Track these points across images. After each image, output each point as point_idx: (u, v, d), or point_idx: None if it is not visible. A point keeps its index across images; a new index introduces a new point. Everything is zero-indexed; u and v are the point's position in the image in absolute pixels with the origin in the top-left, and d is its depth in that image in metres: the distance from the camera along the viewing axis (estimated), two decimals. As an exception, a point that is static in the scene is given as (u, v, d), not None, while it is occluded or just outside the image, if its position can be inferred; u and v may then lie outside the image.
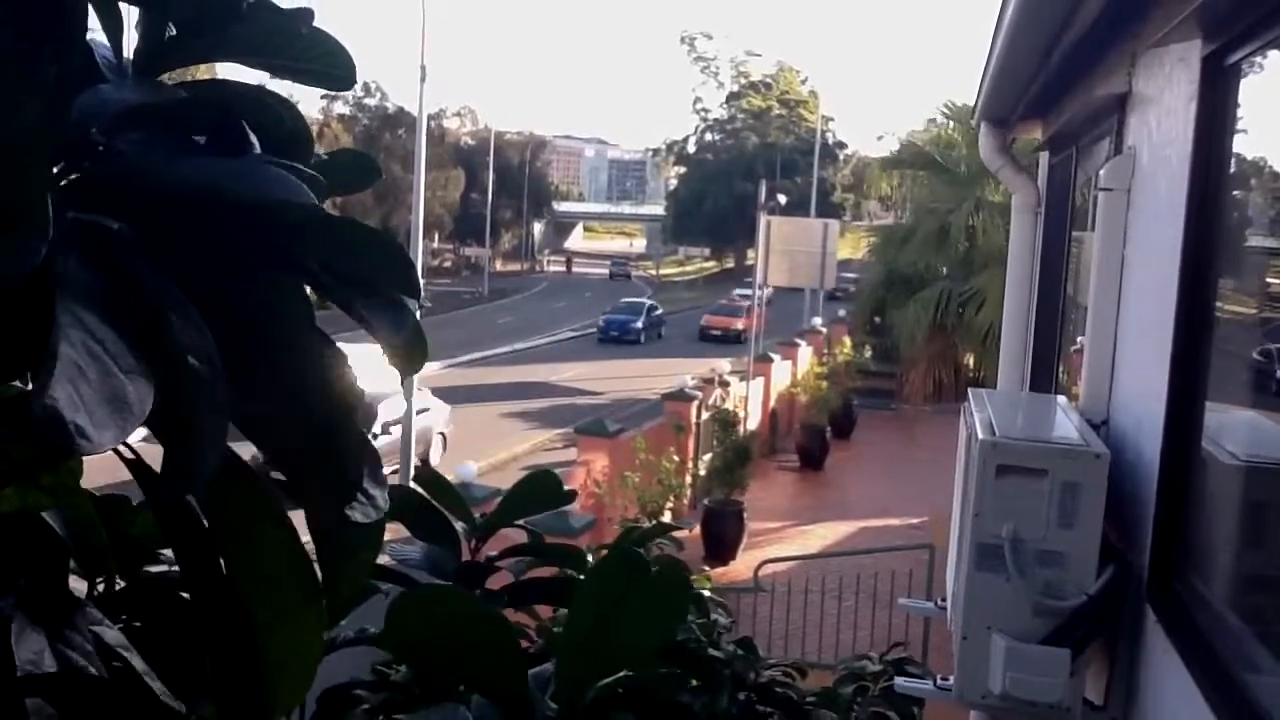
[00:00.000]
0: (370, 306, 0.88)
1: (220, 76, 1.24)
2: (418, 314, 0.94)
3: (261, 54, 1.00)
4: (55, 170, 0.84)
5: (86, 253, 0.74)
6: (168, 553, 1.39)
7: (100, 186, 0.82)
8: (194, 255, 0.84)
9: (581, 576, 2.16)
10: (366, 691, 1.79)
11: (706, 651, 2.27)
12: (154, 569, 1.34)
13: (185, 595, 1.24)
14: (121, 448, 0.87)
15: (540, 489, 2.13)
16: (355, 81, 1.08)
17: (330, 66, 1.05)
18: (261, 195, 0.81)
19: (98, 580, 1.25)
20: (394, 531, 1.82)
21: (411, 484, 2.12)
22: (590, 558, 2.25)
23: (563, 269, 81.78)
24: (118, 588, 1.27)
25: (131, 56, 0.94)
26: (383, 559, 1.87)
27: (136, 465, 0.87)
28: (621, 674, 1.62)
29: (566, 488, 2.30)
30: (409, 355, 0.93)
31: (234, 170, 0.85)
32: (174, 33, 0.92)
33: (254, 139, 0.89)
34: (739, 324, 41.52)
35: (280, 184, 0.81)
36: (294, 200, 0.80)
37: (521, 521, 2.19)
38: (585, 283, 68.34)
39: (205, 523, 0.97)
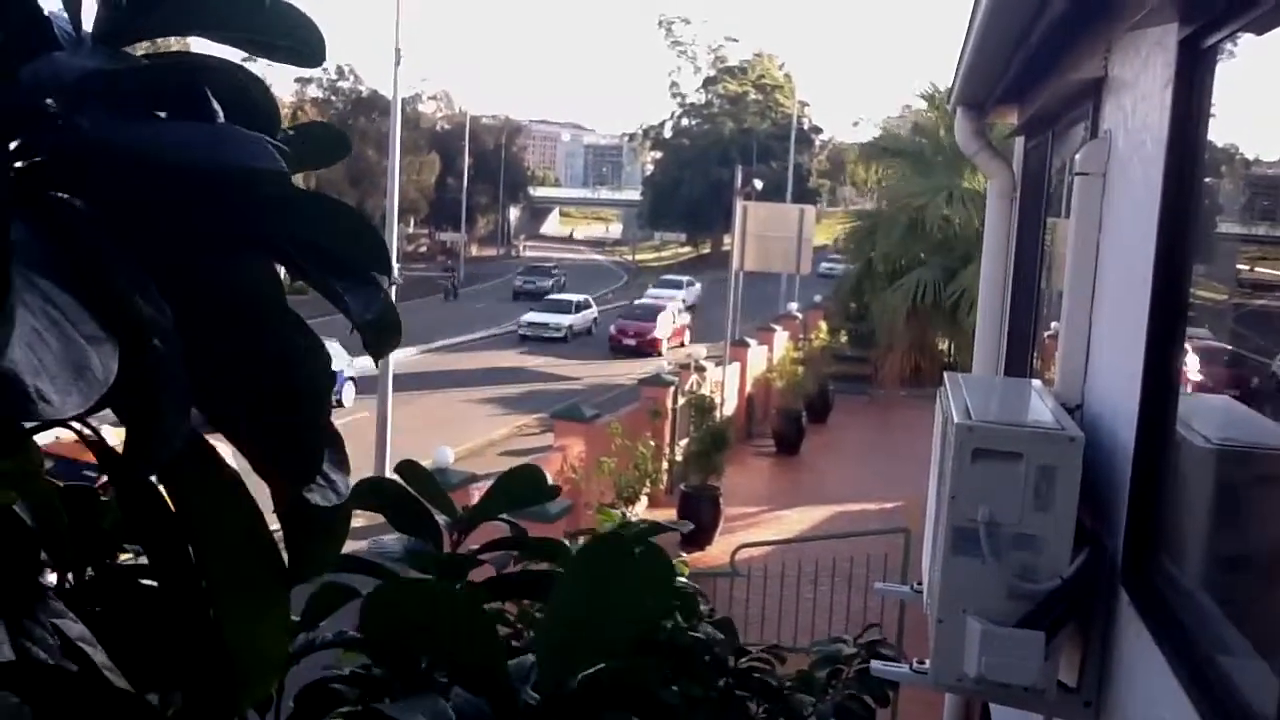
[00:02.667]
0: (343, 283, 0.86)
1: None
2: (391, 292, 0.92)
3: (226, 27, 0.97)
4: (12, 146, 0.82)
5: (42, 226, 0.72)
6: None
7: (58, 161, 0.79)
8: (159, 230, 0.81)
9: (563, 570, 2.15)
10: (345, 687, 1.77)
11: (688, 637, 2.26)
12: (124, 560, 1.31)
13: (153, 584, 1.21)
14: (85, 430, 0.85)
15: (524, 483, 2.11)
16: (325, 58, 1.06)
17: (298, 42, 1.02)
18: (232, 163, 0.78)
19: (66, 573, 1.23)
20: (369, 519, 1.81)
21: (392, 475, 2.10)
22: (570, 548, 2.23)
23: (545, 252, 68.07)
24: (86, 579, 1.25)
25: (90, 29, 0.91)
26: (363, 550, 1.84)
27: (99, 448, 0.85)
28: (604, 665, 1.61)
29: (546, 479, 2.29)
30: (382, 334, 0.91)
31: (203, 136, 0.82)
32: (134, 3, 0.89)
33: (218, 107, 0.86)
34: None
35: (252, 150, 0.78)
36: (266, 168, 0.77)
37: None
38: (561, 268, 68.10)
39: (172, 510, 0.95)
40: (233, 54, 1.04)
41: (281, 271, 0.95)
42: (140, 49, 0.97)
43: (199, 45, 1.08)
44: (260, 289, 0.87)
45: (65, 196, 0.80)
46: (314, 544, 1.01)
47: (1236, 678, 2.12)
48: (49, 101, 0.82)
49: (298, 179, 1.03)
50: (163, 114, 0.89)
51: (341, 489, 0.93)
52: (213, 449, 0.94)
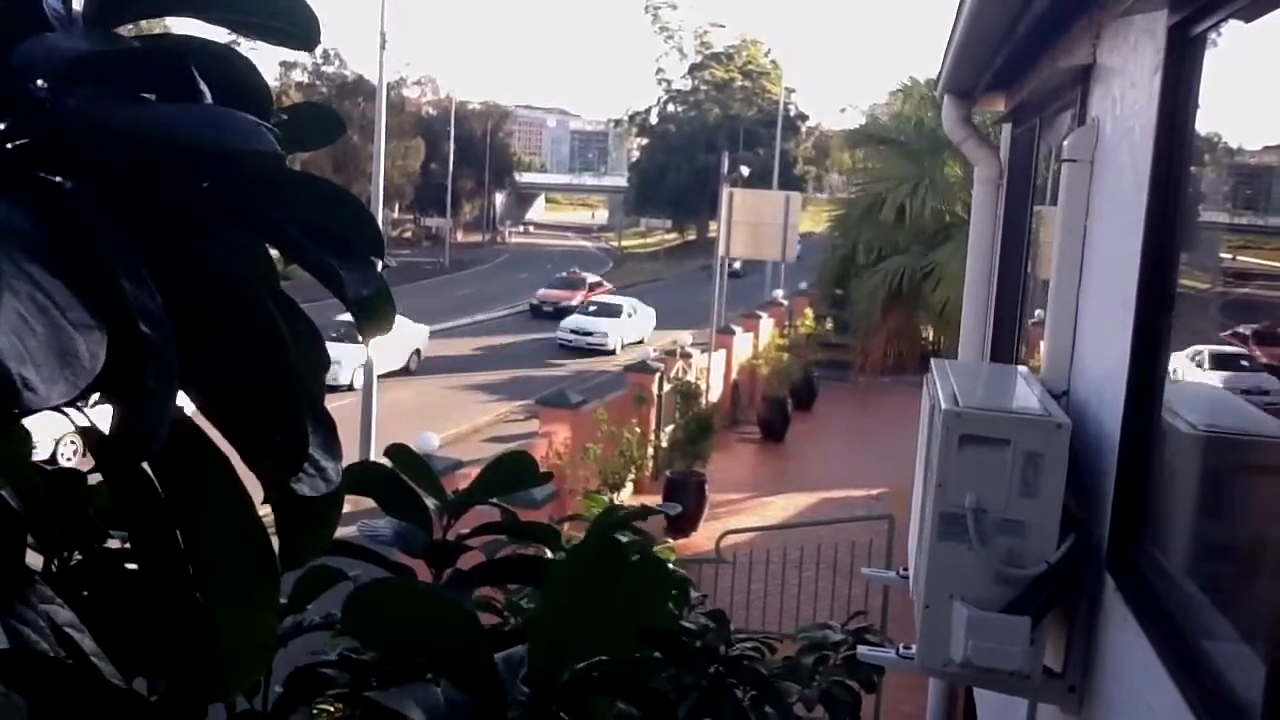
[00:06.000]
0: (338, 262, 0.85)
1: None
2: (383, 273, 0.91)
3: (218, 8, 0.96)
4: (1, 128, 0.81)
5: (30, 206, 0.70)
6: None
7: (47, 142, 0.78)
8: (150, 213, 0.80)
9: (552, 555, 2.15)
10: (335, 671, 1.76)
11: (678, 624, 2.26)
12: (113, 545, 1.30)
13: (141, 569, 1.21)
14: (74, 413, 0.84)
15: (515, 468, 2.11)
16: (318, 41, 1.04)
17: (290, 24, 1.00)
18: (224, 144, 0.77)
19: (53, 558, 1.22)
20: (358, 502, 1.80)
21: (382, 458, 2.09)
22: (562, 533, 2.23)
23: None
24: (74, 565, 1.24)
25: (81, 8, 0.90)
26: (353, 534, 1.84)
27: (89, 432, 0.84)
28: (596, 659, 1.60)
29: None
30: (377, 314, 0.90)
31: (195, 117, 0.81)
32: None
33: (206, 90, 0.85)
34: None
35: (245, 131, 0.77)
36: (259, 149, 0.76)
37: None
38: (546, 255, 68.04)
39: (161, 494, 0.94)
40: (220, 35, 1.03)
41: (275, 255, 0.94)
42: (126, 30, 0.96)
43: (184, 26, 1.07)
44: (252, 273, 0.86)
45: (56, 179, 0.79)
46: (304, 531, 1.00)
47: (1220, 662, 2.13)
48: (39, 83, 0.80)
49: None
50: (153, 96, 0.88)
51: (332, 476, 0.92)
52: (203, 434, 0.93)
